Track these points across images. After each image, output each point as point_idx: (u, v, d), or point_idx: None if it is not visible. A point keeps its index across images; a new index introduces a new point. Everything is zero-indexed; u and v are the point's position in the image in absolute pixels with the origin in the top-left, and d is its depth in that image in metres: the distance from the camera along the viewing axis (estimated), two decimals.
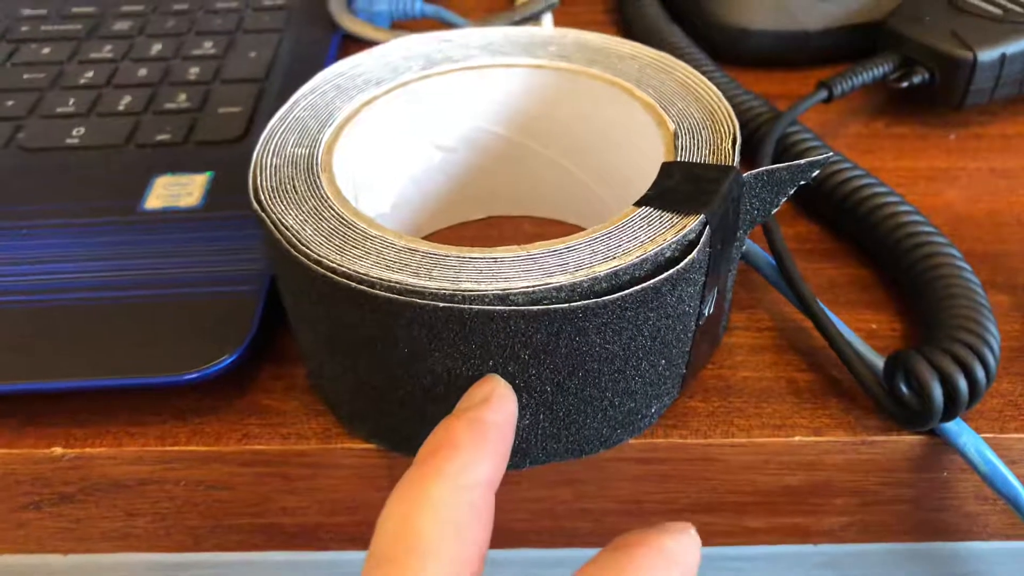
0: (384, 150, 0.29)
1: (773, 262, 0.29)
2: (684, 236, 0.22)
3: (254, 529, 0.29)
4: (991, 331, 0.25)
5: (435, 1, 0.48)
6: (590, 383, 0.23)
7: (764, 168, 0.24)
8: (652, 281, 0.22)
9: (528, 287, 0.21)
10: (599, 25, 0.46)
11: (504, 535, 0.28)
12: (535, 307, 0.21)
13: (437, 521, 0.18)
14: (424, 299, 0.21)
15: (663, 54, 0.30)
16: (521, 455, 0.24)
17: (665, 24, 0.42)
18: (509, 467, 0.21)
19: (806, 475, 0.26)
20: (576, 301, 0.21)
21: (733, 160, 0.25)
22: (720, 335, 0.28)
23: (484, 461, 0.20)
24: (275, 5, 0.45)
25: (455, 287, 0.21)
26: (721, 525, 0.28)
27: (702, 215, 0.22)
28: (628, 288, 0.21)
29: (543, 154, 0.32)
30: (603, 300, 0.21)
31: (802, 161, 0.25)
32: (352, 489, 0.27)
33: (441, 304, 0.21)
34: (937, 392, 0.24)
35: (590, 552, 0.29)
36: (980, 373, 0.24)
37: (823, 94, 0.36)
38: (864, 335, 0.28)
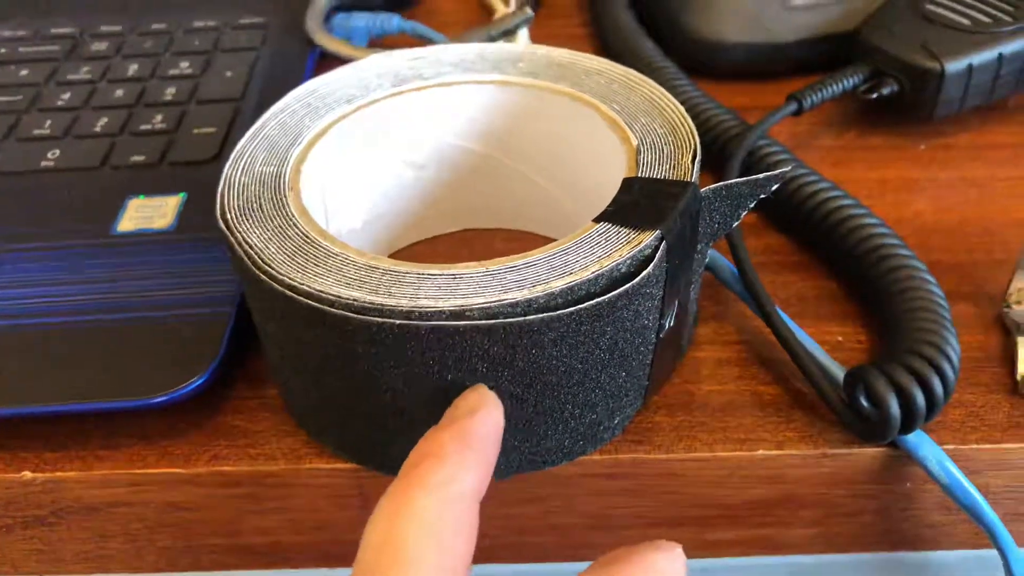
0: (354, 167, 0.30)
1: (738, 274, 0.29)
2: (640, 251, 0.22)
3: (226, 549, 0.29)
4: (951, 343, 0.25)
5: (413, 17, 0.48)
6: (549, 395, 0.23)
7: (722, 183, 0.24)
8: (606, 296, 0.22)
9: (485, 303, 0.21)
10: (575, 39, 0.47)
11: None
12: (490, 321, 0.21)
13: (421, 531, 0.18)
14: (381, 316, 0.21)
15: (629, 70, 0.30)
16: None
17: (640, 38, 0.42)
18: None
19: (769, 488, 0.26)
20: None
21: (692, 175, 0.25)
22: (684, 347, 0.28)
23: (469, 472, 0.20)
24: (252, 24, 0.45)
25: (413, 304, 0.21)
26: (687, 539, 0.28)
27: (658, 230, 0.23)
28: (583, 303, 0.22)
29: (514, 168, 0.32)
30: (557, 314, 0.21)
31: (760, 175, 0.25)
32: (321, 508, 0.27)
33: (397, 322, 0.21)
34: (894, 406, 0.24)
35: (558, 567, 0.29)
36: (938, 387, 0.24)
37: (792, 107, 0.36)
38: (830, 348, 0.28)
